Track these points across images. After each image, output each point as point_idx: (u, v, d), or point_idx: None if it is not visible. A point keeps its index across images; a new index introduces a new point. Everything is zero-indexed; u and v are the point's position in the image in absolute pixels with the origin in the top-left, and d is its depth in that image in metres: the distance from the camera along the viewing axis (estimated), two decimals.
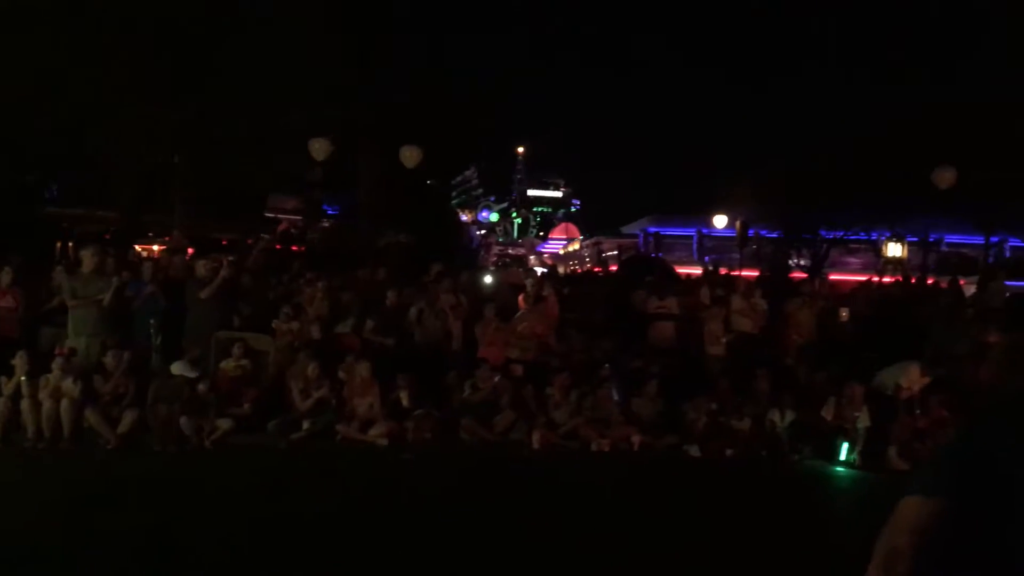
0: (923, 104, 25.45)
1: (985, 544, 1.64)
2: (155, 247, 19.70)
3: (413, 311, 11.75)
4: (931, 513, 1.68)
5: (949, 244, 34.37)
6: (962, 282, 15.29)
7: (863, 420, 10.01)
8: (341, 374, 10.51)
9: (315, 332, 11.34)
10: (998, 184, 21.47)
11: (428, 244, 22.78)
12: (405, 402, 10.36)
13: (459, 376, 10.92)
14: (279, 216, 30.12)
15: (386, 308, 11.95)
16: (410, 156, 18.19)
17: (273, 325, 11.30)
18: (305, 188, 28.74)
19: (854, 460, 9.88)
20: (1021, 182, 18.68)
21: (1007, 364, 2.38)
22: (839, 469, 9.79)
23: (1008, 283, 17.17)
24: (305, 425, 9.95)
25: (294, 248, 23.07)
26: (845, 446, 9.94)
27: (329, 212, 31.76)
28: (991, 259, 28.47)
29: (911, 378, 10.30)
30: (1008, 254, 32.43)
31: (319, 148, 17.56)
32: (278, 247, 20.72)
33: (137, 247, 18.92)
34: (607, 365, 11.45)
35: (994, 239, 30.01)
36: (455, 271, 14.26)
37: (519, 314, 12.11)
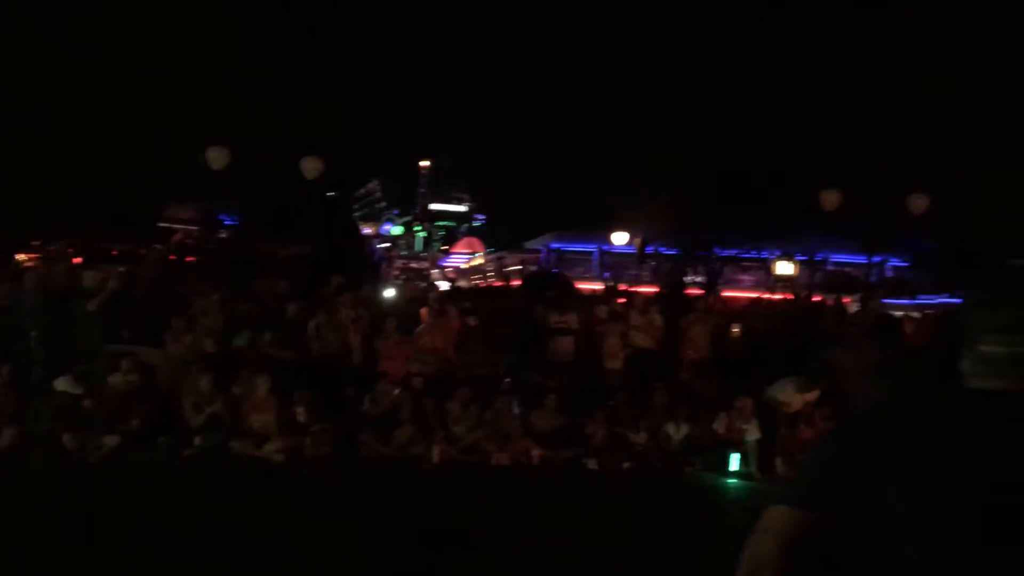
0: (813, 130, 26.55)
1: (849, 556, 1.67)
2: (39, 256, 18.86)
3: (312, 324, 11.57)
4: (796, 523, 1.68)
5: (835, 263, 35.79)
6: (846, 300, 16.01)
7: (752, 433, 10.37)
8: (236, 389, 10.28)
9: (209, 345, 11.06)
10: (881, 207, 22.56)
11: (329, 257, 22.47)
12: (303, 417, 10.19)
13: (359, 390, 10.81)
14: (174, 226, 29.22)
15: (285, 321, 11.74)
16: (311, 167, 17.97)
17: (165, 338, 10.97)
18: (202, 197, 27.99)
19: (746, 471, 10.20)
20: (902, 205, 19.71)
21: (874, 378, 2.49)
22: (730, 480, 10.09)
23: (888, 300, 18.08)
24: (197, 441, 9.68)
25: (189, 259, 22.41)
26: (736, 458, 10.25)
27: (227, 223, 30.97)
28: (873, 278, 29.82)
29: (787, 394, 10.68)
30: (889, 273, 34.01)
31: (216, 157, 17.19)
32: (172, 257, 20.11)
33: (19, 256, 18.09)
34: (507, 379, 11.52)
35: (876, 259, 31.45)
36: (356, 284, 14.12)
37: (420, 328, 12.09)
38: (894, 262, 33.62)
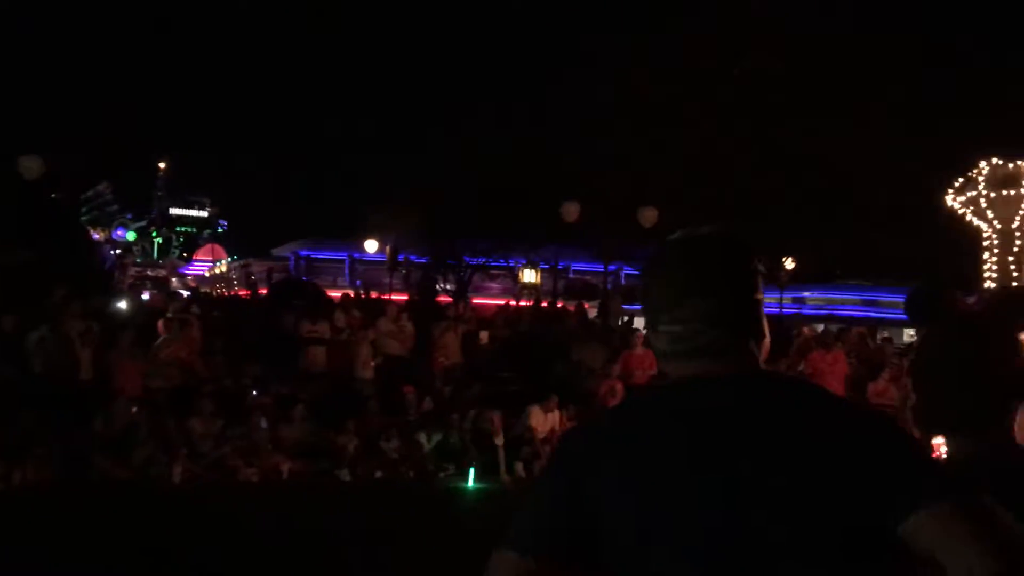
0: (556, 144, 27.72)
1: None
2: None
3: (33, 337, 10.58)
4: (529, 572, 1.36)
5: (575, 271, 37.72)
6: (586, 306, 17.04)
7: (499, 439, 10.74)
8: None
9: None
10: (615, 218, 24.06)
11: (52, 264, 20.60)
12: (22, 440, 9.28)
13: (89, 408, 10.01)
14: None
15: (1, 335, 10.65)
16: (30, 167, 16.41)
17: None
18: None
19: (493, 477, 10.51)
20: (634, 217, 21.12)
21: None
22: (480, 486, 10.34)
23: (625, 307, 19.43)
24: None
25: None
26: (472, 472, 10.47)
27: None
28: (609, 285, 31.75)
29: (535, 418, 11.17)
30: (624, 281, 36.34)
31: None
32: None
33: None
34: (255, 391, 11.16)
35: (612, 267, 33.51)
36: (85, 294, 13.07)
37: (160, 340, 11.41)
38: (627, 270, 35.91)
